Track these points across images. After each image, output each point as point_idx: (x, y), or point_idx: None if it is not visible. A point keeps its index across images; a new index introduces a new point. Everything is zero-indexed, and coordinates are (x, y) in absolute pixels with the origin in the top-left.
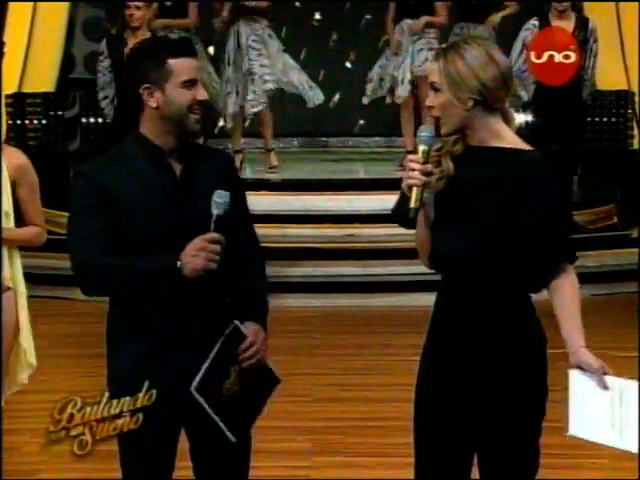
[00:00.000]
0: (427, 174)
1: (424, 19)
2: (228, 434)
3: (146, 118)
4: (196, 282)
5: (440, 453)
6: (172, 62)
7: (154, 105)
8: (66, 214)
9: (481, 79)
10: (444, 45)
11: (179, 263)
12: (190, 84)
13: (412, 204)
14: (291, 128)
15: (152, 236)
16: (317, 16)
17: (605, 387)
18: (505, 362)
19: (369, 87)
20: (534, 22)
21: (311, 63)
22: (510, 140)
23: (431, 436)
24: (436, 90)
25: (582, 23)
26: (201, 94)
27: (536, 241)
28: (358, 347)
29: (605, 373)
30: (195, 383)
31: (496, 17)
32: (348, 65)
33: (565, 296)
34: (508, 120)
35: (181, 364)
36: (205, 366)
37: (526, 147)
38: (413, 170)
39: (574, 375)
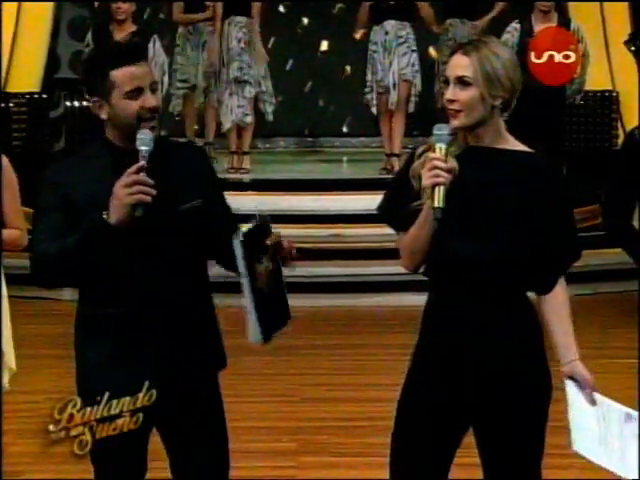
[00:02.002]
0: (450, 171)
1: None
2: (256, 331)
3: (105, 126)
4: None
5: (437, 454)
6: (114, 74)
7: (104, 117)
8: None
9: (512, 79)
10: (468, 40)
11: (105, 215)
12: (135, 93)
13: (437, 203)
14: (278, 128)
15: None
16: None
17: (593, 402)
18: (514, 363)
19: (369, 97)
20: (515, 25)
21: (279, 51)
22: (514, 143)
23: (427, 437)
24: (465, 84)
25: (564, 24)
26: (149, 101)
27: (549, 242)
28: (344, 347)
29: (595, 389)
30: (241, 235)
31: (485, 20)
32: (318, 54)
33: (558, 304)
34: None
35: (151, 363)
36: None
37: (530, 150)
38: (436, 168)
39: (570, 387)
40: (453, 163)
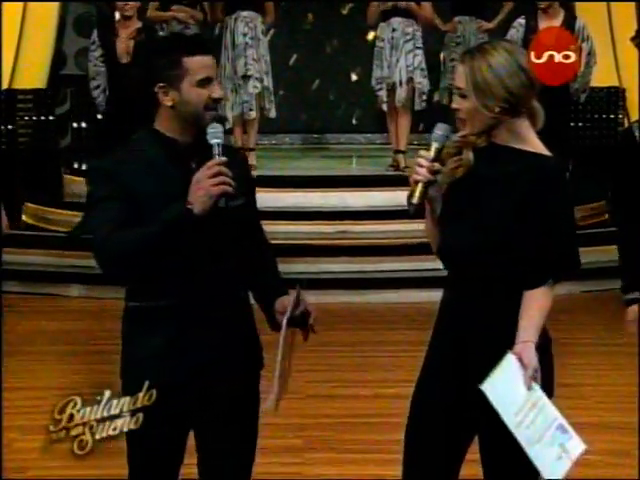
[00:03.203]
0: (434, 172)
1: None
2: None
3: (161, 115)
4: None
5: (447, 451)
6: (187, 61)
7: (169, 104)
8: (56, 210)
9: (508, 87)
10: (474, 46)
11: (189, 205)
12: (206, 82)
13: (414, 199)
14: (284, 125)
15: None
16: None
17: (529, 387)
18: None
19: (382, 94)
20: (521, 21)
21: (285, 47)
22: (532, 144)
23: (436, 433)
24: (462, 95)
25: (569, 21)
26: (216, 92)
27: (545, 248)
28: (350, 344)
29: (536, 378)
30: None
31: (494, 22)
32: (325, 51)
33: (534, 297)
34: (535, 118)
35: (195, 359)
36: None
37: (546, 152)
38: (421, 166)
39: (510, 359)
40: (469, 155)
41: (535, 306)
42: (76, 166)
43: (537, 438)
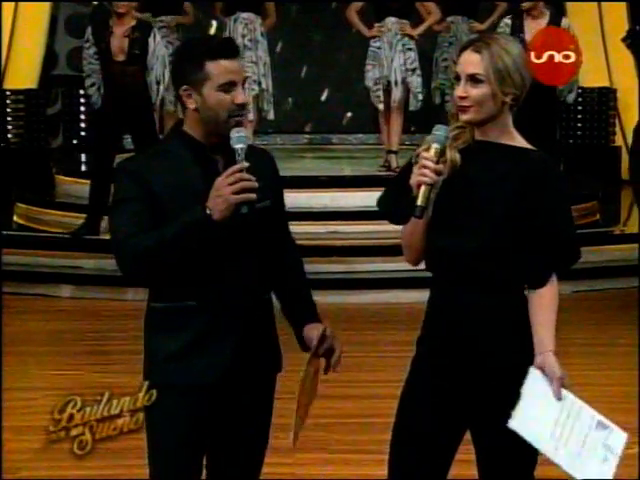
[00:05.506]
0: (438, 173)
1: (426, 24)
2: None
3: (188, 117)
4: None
5: (436, 450)
6: (209, 65)
7: (192, 107)
8: (47, 211)
9: (523, 76)
10: (479, 36)
11: (207, 210)
12: (228, 87)
13: (419, 202)
14: (275, 125)
15: None
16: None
17: (559, 398)
18: (513, 358)
19: (380, 94)
20: (507, 21)
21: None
22: (519, 140)
23: (425, 432)
24: (477, 81)
25: (555, 21)
26: (240, 97)
27: (546, 240)
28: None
29: (563, 385)
30: None
31: (487, 23)
32: (315, 50)
33: (543, 296)
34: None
35: (217, 362)
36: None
37: (532, 147)
38: (425, 167)
39: (534, 374)
40: (455, 156)
41: (545, 310)
42: (67, 166)
43: (578, 450)
